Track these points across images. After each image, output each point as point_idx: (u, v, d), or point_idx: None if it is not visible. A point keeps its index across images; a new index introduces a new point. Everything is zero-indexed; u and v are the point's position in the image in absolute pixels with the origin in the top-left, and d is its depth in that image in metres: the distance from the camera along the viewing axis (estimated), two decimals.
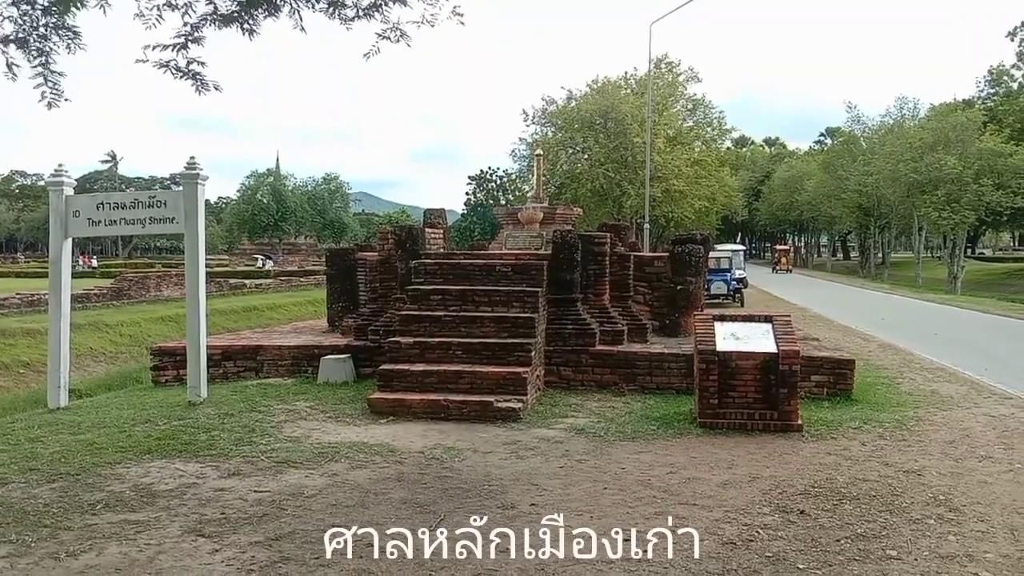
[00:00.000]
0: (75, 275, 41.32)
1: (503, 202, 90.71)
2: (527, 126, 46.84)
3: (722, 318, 9.23)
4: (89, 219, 9.93)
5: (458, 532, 5.47)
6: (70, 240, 10.15)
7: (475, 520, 5.68)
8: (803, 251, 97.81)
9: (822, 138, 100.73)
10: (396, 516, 5.88)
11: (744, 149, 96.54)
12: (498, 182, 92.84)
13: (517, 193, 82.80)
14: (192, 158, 9.69)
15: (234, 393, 10.44)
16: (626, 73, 47.50)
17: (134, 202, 9.91)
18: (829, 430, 8.61)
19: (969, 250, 59.78)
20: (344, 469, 7.14)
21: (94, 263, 63.87)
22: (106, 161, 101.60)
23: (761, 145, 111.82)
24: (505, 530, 5.54)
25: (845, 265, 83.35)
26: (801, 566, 4.95)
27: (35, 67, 6.20)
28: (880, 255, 65.43)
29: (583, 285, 11.36)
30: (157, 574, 4.86)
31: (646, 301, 12.42)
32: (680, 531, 5.52)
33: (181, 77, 6.82)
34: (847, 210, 59.99)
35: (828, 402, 9.92)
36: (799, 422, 8.54)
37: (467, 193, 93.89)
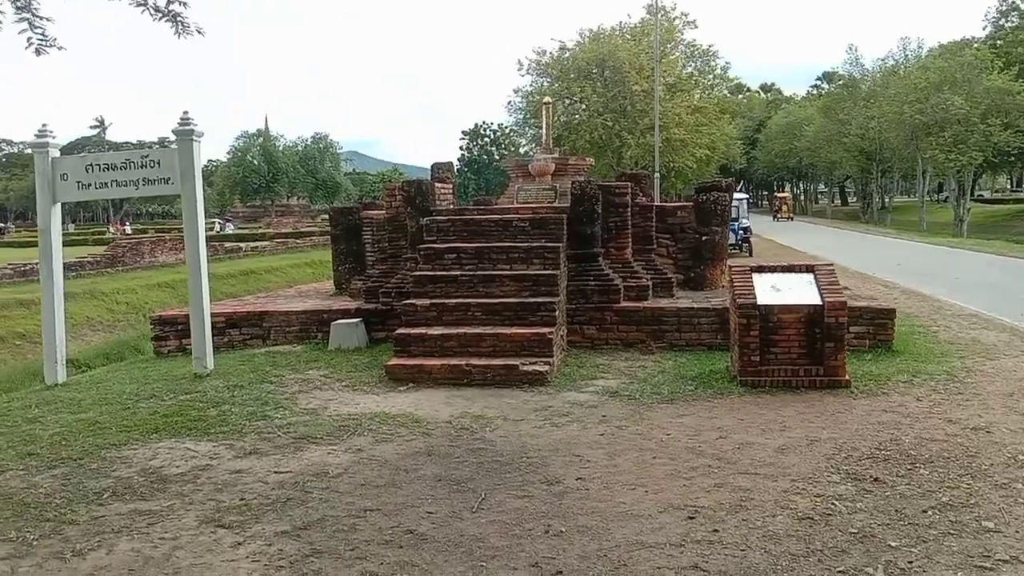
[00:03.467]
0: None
1: (497, 157, 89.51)
2: (522, 76, 45.66)
3: (760, 269, 8.67)
4: (78, 182, 9.27)
5: (503, 512, 4.99)
6: (59, 205, 9.49)
7: (519, 498, 5.21)
8: (801, 198, 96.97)
9: (818, 83, 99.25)
10: (432, 496, 5.37)
11: (740, 96, 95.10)
12: (492, 136, 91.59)
13: (512, 148, 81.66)
14: (185, 112, 9.00)
15: (242, 363, 9.89)
16: (620, 23, 46.28)
17: (125, 163, 9.24)
18: (878, 385, 8.11)
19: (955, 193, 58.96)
20: (368, 443, 6.62)
21: (128, 230, 62.19)
22: (95, 127, 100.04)
23: (757, 92, 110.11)
24: (554, 509, 5.06)
25: (844, 211, 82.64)
26: (892, 543, 4.44)
27: (18, 10, 5.52)
28: (882, 200, 64.70)
29: (604, 239, 10.76)
30: (175, 575, 4.35)
31: (669, 253, 11.84)
32: (749, 505, 5.03)
33: (160, 18, 6.18)
34: (848, 155, 59.03)
35: (870, 354, 9.41)
36: (847, 377, 8.03)
37: (460, 148, 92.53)
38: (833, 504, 5.03)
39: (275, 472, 5.96)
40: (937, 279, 18.59)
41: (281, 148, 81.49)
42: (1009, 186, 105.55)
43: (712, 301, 10.53)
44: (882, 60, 54.95)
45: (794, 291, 8.28)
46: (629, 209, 10.94)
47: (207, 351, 9.34)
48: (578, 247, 10.50)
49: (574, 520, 4.89)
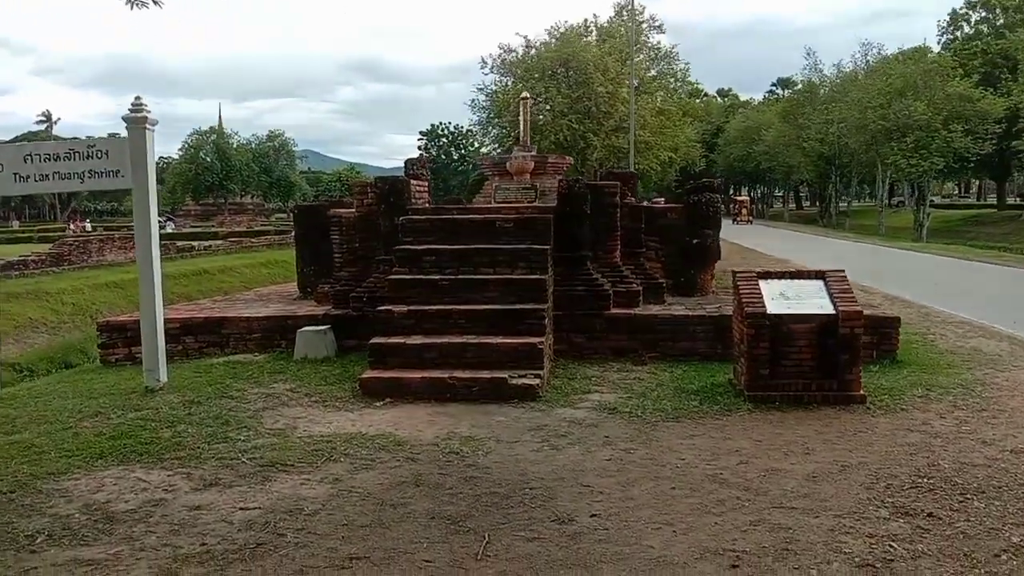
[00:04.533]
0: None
1: (456, 158, 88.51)
2: (485, 74, 44.88)
3: (767, 275, 8.07)
4: (15, 174, 8.29)
5: (513, 559, 4.28)
6: None
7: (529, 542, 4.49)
8: (758, 202, 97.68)
9: (773, 87, 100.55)
10: (427, 538, 4.63)
11: (698, 100, 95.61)
12: (450, 137, 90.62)
13: (471, 148, 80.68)
14: (138, 98, 8.09)
15: (198, 374, 9.01)
16: (586, 20, 45.91)
17: (69, 153, 8.29)
18: (893, 400, 7.55)
19: (914, 198, 59.51)
20: (347, 471, 5.84)
21: (88, 227, 59.17)
22: (41, 121, 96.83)
23: (714, 96, 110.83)
24: (572, 555, 4.35)
25: (800, 215, 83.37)
26: None
27: None
28: (842, 204, 65.14)
29: (592, 241, 10.09)
30: None
31: (657, 257, 11.19)
32: (796, 549, 4.37)
33: None
34: (807, 159, 59.34)
35: (876, 366, 8.85)
36: (861, 392, 7.46)
37: (418, 148, 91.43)
38: (891, 547, 4.40)
39: (241, 508, 5.15)
40: (914, 284, 18.29)
41: (235, 145, 79.68)
42: (957, 192, 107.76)
43: (707, 308, 9.92)
44: (837, 66, 55.43)
45: (805, 299, 7.69)
46: (619, 210, 10.29)
47: (160, 362, 8.45)
48: (565, 250, 9.82)
49: (598, 570, 4.19)
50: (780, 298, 7.70)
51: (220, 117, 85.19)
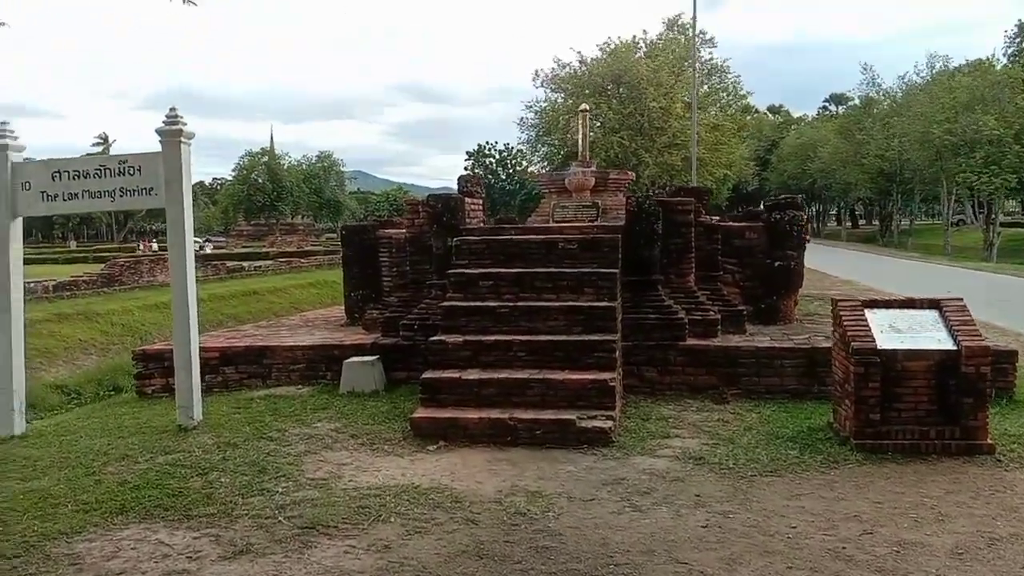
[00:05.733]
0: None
1: (503, 177, 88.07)
2: (536, 88, 44.09)
3: (873, 304, 7.09)
4: (43, 193, 7.72)
5: None
6: (19, 221, 7.92)
7: None
8: (813, 221, 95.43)
9: (826, 104, 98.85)
10: None
11: (749, 116, 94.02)
12: (497, 157, 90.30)
13: (518, 168, 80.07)
14: (173, 109, 7.46)
15: (237, 410, 8.29)
16: (634, 37, 45.00)
17: (100, 169, 7.67)
18: None
19: (983, 216, 56.86)
20: (397, 536, 5.01)
21: (155, 247, 59.33)
22: (97, 143, 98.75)
23: (765, 113, 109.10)
24: None
25: (856, 234, 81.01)
26: None
27: None
28: (904, 222, 62.87)
29: (663, 263, 9.19)
30: None
31: (735, 281, 10.21)
32: None
33: None
34: (866, 176, 57.40)
35: (994, 406, 7.74)
36: (989, 441, 6.44)
37: (465, 169, 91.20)
38: None
39: None
40: (1001, 308, 16.93)
41: (286, 166, 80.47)
42: (1019, 209, 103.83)
43: (794, 339, 8.93)
44: (902, 78, 53.57)
45: (919, 332, 6.70)
46: (692, 229, 9.37)
47: (194, 399, 7.74)
48: (633, 273, 8.93)
49: None
50: (890, 331, 6.72)
51: (272, 138, 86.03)
